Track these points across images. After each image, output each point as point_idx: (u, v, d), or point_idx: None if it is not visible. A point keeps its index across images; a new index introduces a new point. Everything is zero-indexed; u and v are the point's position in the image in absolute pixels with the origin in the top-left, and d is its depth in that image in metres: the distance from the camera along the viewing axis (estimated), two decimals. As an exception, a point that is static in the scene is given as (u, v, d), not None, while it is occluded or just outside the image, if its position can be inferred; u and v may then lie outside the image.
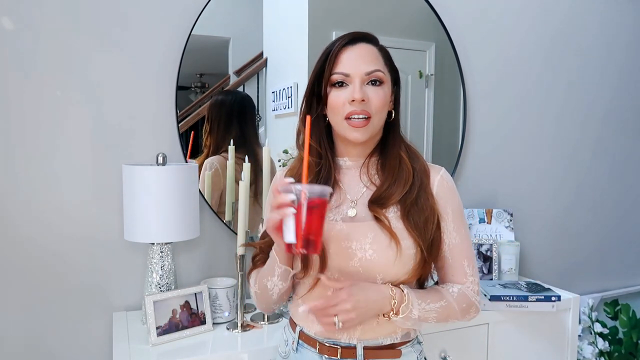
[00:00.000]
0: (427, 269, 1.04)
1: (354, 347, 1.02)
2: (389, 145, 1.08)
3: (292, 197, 0.86)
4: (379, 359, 1.02)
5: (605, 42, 2.24)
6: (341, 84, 1.01)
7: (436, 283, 1.11)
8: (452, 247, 1.05)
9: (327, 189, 0.89)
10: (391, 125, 1.08)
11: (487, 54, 2.00)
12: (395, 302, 0.96)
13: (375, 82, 1.01)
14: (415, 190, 1.02)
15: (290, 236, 0.86)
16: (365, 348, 1.02)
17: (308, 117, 0.96)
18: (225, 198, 1.63)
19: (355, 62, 1.00)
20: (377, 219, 1.00)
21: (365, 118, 1.00)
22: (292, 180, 0.89)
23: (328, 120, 1.06)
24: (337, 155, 1.10)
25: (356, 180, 1.07)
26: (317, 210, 0.87)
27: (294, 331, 1.10)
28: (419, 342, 1.10)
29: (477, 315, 1.08)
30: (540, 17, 2.09)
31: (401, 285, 0.99)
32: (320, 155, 1.07)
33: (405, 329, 1.04)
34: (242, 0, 1.70)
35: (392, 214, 1.01)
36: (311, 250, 0.88)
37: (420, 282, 1.08)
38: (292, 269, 1.01)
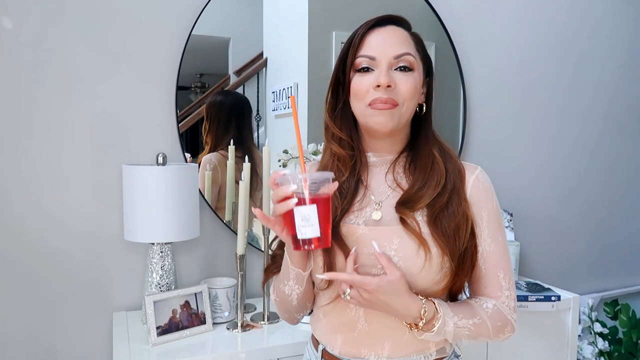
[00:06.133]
0: (460, 281, 0.92)
1: None
2: (420, 142, 0.97)
3: (294, 187, 0.78)
4: None
5: (604, 44, 2.24)
6: (366, 69, 0.90)
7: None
8: (485, 256, 0.93)
9: (329, 174, 0.80)
10: (422, 121, 0.97)
11: (487, 54, 2.00)
12: (425, 311, 0.85)
13: (405, 68, 0.90)
14: (446, 194, 0.91)
15: (299, 231, 0.78)
16: None
17: (292, 98, 0.90)
18: (223, 193, 1.64)
19: (383, 44, 0.90)
20: (403, 222, 0.90)
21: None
22: (287, 171, 0.81)
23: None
24: (363, 150, 1.00)
25: (381, 179, 0.97)
26: (322, 199, 0.79)
27: (317, 349, 0.99)
28: (457, 356, 1.00)
29: (513, 335, 0.95)
30: (540, 17, 2.09)
31: (432, 298, 0.89)
32: (352, 148, 0.97)
33: (441, 344, 0.95)
34: (242, 0, 1.70)
35: (420, 218, 0.90)
36: (322, 243, 0.79)
37: (452, 296, 0.97)
38: (304, 271, 0.92)
